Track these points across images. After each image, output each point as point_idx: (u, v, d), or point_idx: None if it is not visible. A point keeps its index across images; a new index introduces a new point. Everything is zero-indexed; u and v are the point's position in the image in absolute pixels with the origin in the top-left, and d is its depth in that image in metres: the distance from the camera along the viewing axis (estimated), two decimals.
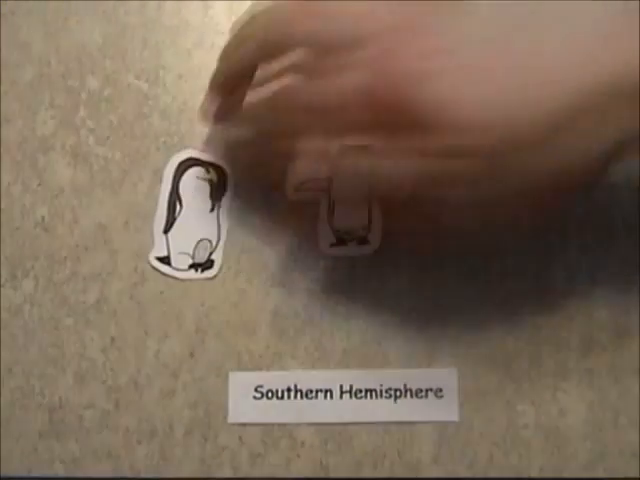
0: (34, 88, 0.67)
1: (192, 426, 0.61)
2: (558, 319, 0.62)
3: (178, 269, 0.63)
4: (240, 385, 0.61)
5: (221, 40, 0.68)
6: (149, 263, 0.63)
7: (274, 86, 0.54)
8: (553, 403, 0.61)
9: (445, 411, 0.61)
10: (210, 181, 0.65)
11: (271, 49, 0.53)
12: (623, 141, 0.47)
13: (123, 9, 0.69)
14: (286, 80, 0.53)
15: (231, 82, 0.59)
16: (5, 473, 0.60)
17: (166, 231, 0.64)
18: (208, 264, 0.64)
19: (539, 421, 0.60)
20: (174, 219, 0.65)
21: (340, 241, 0.64)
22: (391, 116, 0.46)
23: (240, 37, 0.56)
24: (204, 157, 0.66)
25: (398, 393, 0.61)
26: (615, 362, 0.61)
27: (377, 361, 0.62)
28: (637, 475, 0.59)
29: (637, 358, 0.61)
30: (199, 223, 0.65)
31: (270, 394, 0.61)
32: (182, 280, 0.63)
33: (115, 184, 0.65)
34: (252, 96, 0.57)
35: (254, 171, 0.65)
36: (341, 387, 0.61)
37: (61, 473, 0.60)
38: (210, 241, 0.64)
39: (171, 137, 0.66)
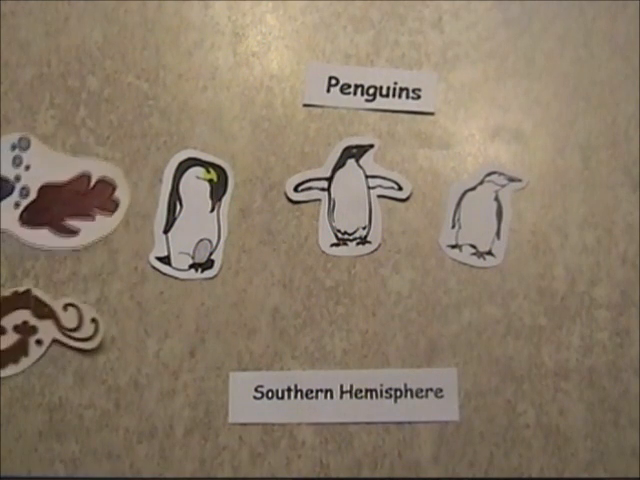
0: (34, 88, 0.67)
1: (192, 426, 0.61)
2: (558, 319, 0.63)
3: (178, 269, 0.63)
4: (240, 385, 0.61)
5: (221, 40, 0.68)
6: (149, 263, 0.63)
7: None
8: (553, 403, 0.61)
9: (445, 411, 0.61)
10: (210, 181, 0.65)
11: None
12: None
13: (123, 9, 0.69)
14: None
15: None
16: (5, 473, 0.60)
17: (166, 231, 0.64)
18: (208, 264, 0.64)
19: (539, 421, 0.61)
20: (174, 219, 0.65)
21: (340, 241, 0.64)
22: None
23: None
24: (204, 157, 0.66)
25: (398, 393, 0.61)
26: (615, 362, 0.62)
27: (377, 361, 0.62)
28: (637, 475, 0.59)
29: (637, 358, 0.62)
30: (199, 223, 0.65)
31: (270, 394, 0.61)
32: (182, 280, 0.63)
33: None
34: None
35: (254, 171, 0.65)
36: (341, 387, 0.61)
37: (61, 473, 0.60)
38: (210, 241, 0.64)
39: (171, 137, 0.66)
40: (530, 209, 0.65)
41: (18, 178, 0.64)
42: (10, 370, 0.61)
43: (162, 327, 0.62)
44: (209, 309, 0.63)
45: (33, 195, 0.64)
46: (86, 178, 0.64)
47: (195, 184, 0.65)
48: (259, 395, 0.61)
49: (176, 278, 0.63)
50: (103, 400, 0.61)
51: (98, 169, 0.65)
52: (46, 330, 0.61)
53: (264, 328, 0.62)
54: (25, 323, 0.61)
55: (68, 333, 0.61)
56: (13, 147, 0.65)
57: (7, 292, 0.62)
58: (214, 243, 0.64)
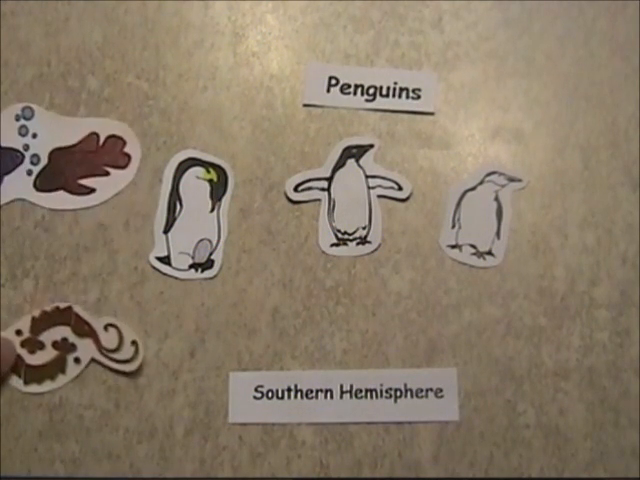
0: (34, 88, 0.67)
1: (192, 426, 0.61)
2: (558, 319, 0.63)
3: (178, 269, 0.63)
4: (240, 385, 0.61)
5: (221, 40, 0.68)
6: (149, 263, 0.63)
7: None
8: (553, 403, 0.61)
9: (445, 411, 0.61)
10: (210, 181, 0.65)
11: None
12: None
13: (123, 9, 0.69)
14: None
15: None
16: (5, 473, 0.60)
17: (166, 231, 0.64)
18: (208, 264, 0.64)
19: (539, 421, 0.61)
20: (174, 219, 0.65)
21: (340, 241, 0.64)
22: None
23: None
24: (204, 157, 0.66)
25: (398, 393, 0.61)
26: (615, 362, 0.62)
27: (377, 361, 0.62)
28: (637, 475, 0.60)
29: (637, 358, 0.62)
30: (199, 223, 0.65)
31: (270, 394, 0.61)
32: (182, 280, 0.63)
33: None
34: None
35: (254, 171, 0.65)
36: (341, 387, 0.61)
37: (61, 473, 0.60)
38: (210, 241, 0.64)
39: (171, 137, 0.66)
40: (530, 209, 0.65)
41: (27, 147, 0.64)
42: (47, 386, 0.61)
43: (162, 327, 0.62)
44: (209, 309, 0.63)
45: (44, 161, 0.64)
46: (95, 137, 0.65)
47: (195, 184, 0.65)
48: (259, 395, 0.61)
49: (176, 278, 0.63)
50: (103, 400, 0.61)
51: (106, 128, 0.65)
52: (85, 349, 0.61)
53: (264, 328, 0.62)
54: (64, 340, 0.61)
55: (107, 354, 0.61)
56: (17, 118, 0.65)
57: (48, 307, 0.62)
58: (214, 243, 0.64)
